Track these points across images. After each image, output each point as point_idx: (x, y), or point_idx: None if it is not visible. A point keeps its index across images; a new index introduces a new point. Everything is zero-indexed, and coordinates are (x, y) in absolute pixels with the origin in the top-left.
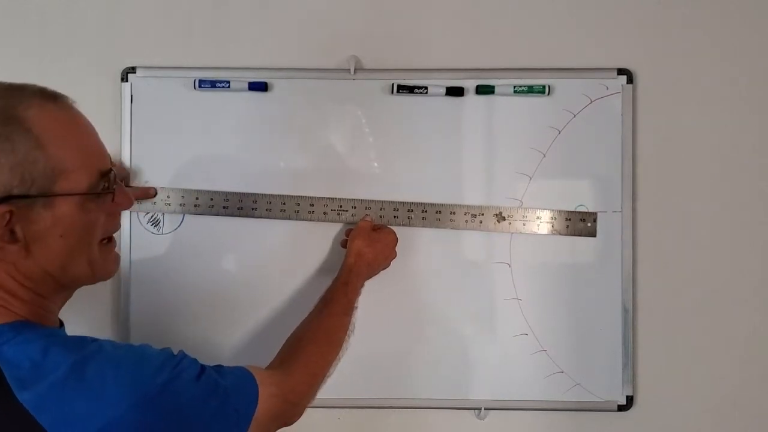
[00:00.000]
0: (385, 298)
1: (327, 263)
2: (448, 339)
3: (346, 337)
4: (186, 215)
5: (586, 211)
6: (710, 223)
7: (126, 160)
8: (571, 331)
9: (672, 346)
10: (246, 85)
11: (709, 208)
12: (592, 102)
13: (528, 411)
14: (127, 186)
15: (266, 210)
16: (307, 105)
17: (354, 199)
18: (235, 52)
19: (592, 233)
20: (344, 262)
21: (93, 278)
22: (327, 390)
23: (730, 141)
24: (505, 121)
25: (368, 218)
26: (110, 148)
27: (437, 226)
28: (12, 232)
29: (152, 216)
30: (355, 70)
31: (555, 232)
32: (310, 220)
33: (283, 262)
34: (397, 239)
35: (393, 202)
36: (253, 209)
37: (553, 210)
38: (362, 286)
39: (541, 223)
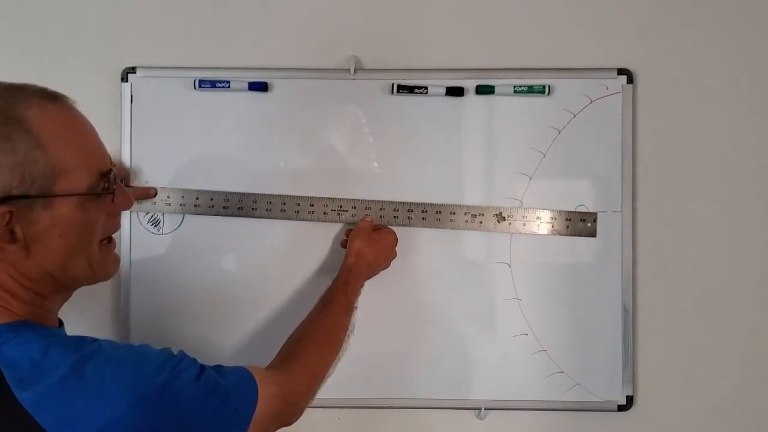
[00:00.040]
0: (385, 298)
1: (327, 263)
2: (448, 339)
3: (346, 337)
4: (186, 215)
5: (586, 211)
6: (710, 223)
7: (126, 160)
8: (571, 331)
9: (672, 346)
10: (246, 85)
11: (709, 208)
12: (592, 102)
13: (528, 411)
14: (127, 186)
15: (266, 210)
16: (307, 105)
17: (354, 199)
18: (235, 52)
19: (592, 233)
20: (344, 262)
21: (93, 278)
22: (327, 390)
23: (730, 141)
24: (505, 121)
25: (368, 218)
26: (110, 148)
27: (437, 226)
28: (12, 232)
29: (152, 216)
30: (355, 70)
31: (555, 232)
32: (310, 220)
33: (283, 262)
34: (397, 239)
35: (393, 202)
36: (253, 209)
37: (553, 210)
38: (362, 286)
39: (541, 223)
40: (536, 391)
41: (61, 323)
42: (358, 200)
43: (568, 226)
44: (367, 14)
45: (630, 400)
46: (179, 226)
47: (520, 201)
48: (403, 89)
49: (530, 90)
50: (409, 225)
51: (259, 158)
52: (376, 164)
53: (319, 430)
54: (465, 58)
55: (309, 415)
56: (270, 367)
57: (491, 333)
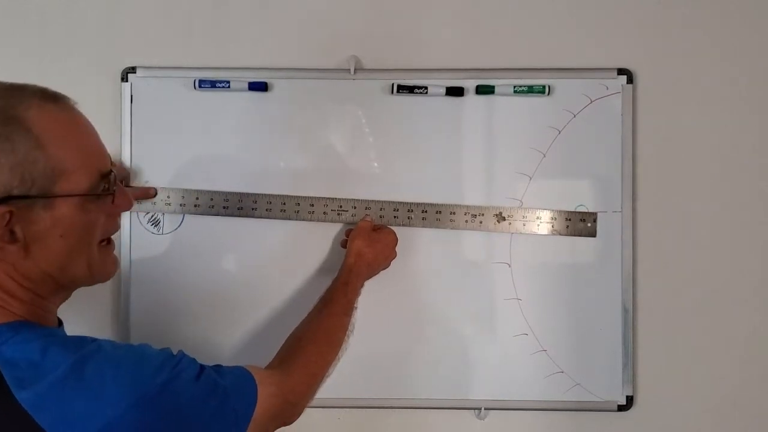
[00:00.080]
0: (385, 298)
1: (327, 263)
2: (448, 339)
3: (346, 337)
4: (186, 215)
5: (586, 211)
6: (710, 223)
7: (126, 160)
8: (571, 331)
9: (672, 346)
10: (246, 85)
11: (709, 208)
12: (592, 102)
13: (528, 411)
14: (127, 186)
15: (266, 210)
16: (307, 105)
17: (354, 199)
18: (235, 52)
19: (592, 233)
20: (344, 262)
21: (91, 279)
22: (327, 390)
23: (730, 141)
24: (505, 121)
25: (368, 218)
26: (110, 148)
27: (437, 226)
28: (12, 232)
29: (152, 216)
30: (355, 70)
31: (555, 232)
32: (310, 220)
33: (283, 262)
34: (397, 239)
35: (393, 202)
36: (253, 209)
37: (553, 210)
38: (362, 286)
39: (541, 223)
40: (536, 391)
41: (60, 323)
42: (358, 200)
43: (568, 226)
44: (367, 14)
45: (630, 400)
46: (179, 226)
47: (520, 201)
48: (403, 89)
49: (530, 90)
50: (409, 225)
51: (259, 158)
52: (376, 164)
53: (319, 430)
54: (465, 58)
55: (309, 415)
56: (269, 366)
57: (491, 333)
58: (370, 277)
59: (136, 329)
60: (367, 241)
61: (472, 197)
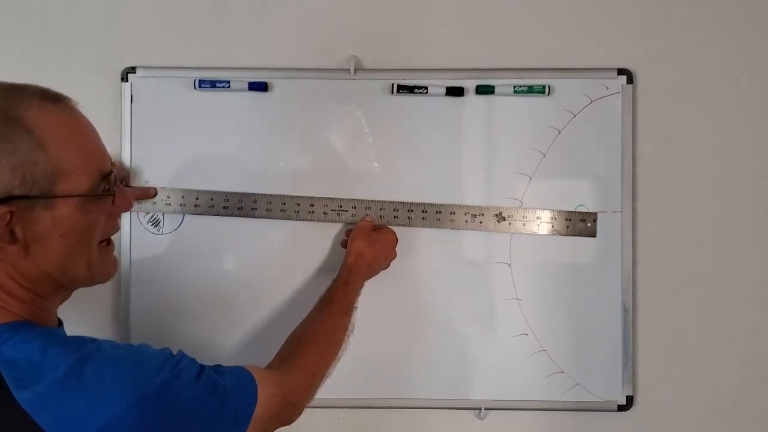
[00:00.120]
0: (385, 298)
1: (327, 263)
2: (448, 339)
3: (346, 337)
4: (186, 215)
5: (586, 211)
6: (710, 223)
7: (126, 160)
8: (571, 331)
9: (672, 346)
10: (246, 85)
11: (709, 208)
12: (592, 102)
13: (528, 411)
14: (127, 186)
15: (266, 210)
16: (307, 105)
17: (354, 199)
18: (235, 52)
19: (592, 233)
20: (344, 262)
21: (91, 280)
22: (327, 390)
23: (730, 141)
24: (505, 121)
25: (368, 218)
26: (110, 148)
27: (437, 226)
28: (12, 232)
29: (152, 216)
30: (355, 70)
31: (555, 232)
32: (310, 220)
33: (283, 262)
34: (397, 239)
35: (393, 202)
36: (253, 209)
37: (553, 210)
38: (362, 286)
39: (541, 223)
40: (536, 391)
41: (60, 323)
42: (358, 200)
43: (568, 226)
44: (367, 14)
45: (630, 400)
46: (179, 226)
47: (520, 201)
48: (403, 89)
49: (530, 90)
50: (409, 225)
51: (259, 158)
52: (376, 164)
53: (319, 430)
54: (465, 58)
55: (309, 415)
56: (269, 366)
57: (491, 333)
58: (370, 277)
59: (136, 329)
60: (367, 241)
61: (472, 197)
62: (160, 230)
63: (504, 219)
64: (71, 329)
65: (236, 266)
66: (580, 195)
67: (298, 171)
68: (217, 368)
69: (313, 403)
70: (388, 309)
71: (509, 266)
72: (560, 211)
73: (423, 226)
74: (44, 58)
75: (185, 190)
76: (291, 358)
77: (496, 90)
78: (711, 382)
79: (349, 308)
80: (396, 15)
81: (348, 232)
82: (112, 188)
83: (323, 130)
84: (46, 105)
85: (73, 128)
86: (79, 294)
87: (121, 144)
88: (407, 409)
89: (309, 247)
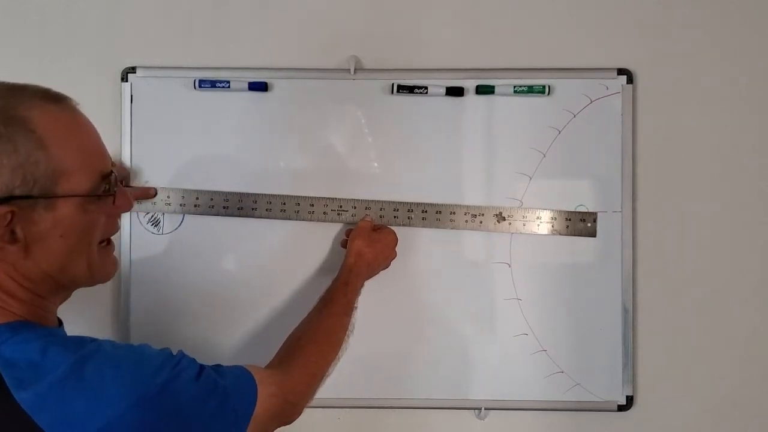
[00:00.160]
0: (385, 298)
1: (327, 263)
2: (448, 339)
3: (346, 337)
4: (186, 215)
5: (586, 211)
6: (710, 223)
7: (126, 160)
8: (571, 331)
9: (672, 346)
10: (246, 85)
11: (709, 208)
12: (592, 102)
13: (528, 411)
14: (127, 186)
15: (266, 210)
16: (307, 105)
17: (354, 199)
18: (235, 52)
19: (592, 233)
20: (344, 262)
21: (91, 280)
22: (327, 390)
23: (730, 141)
24: (505, 121)
25: (368, 218)
26: (110, 148)
27: (437, 226)
28: (12, 232)
29: (152, 216)
30: (355, 70)
31: (555, 232)
32: (310, 220)
33: (283, 262)
34: (397, 239)
35: (393, 202)
36: (253, 209)
37: (553, 210)
38: (362, 286)
39: (541, 223)
40: (536, 391)
41: (60, 323)
42: (358, 200)
43: (568, 226)
44: (367, 14)
45: (630, 400)
46: (179, 226)
47: (520, 201)
48: (403, 89)
49: (530, 90)
50: (409, 225)
51: (259, 158)
52: (376, 164)
53: (319, 430)
54: (465, 58)
55: (309, 415)
56: (269, 366)
57: (491, 333)
58: (370, 277)
59: (136, 329)
60: (367, 241)
61: (472, 197)
62: (160, 230)
63: (504, 219)
64: (71, 329)
65: (236, 266)
66: (580, 195)
67: (298, 171)
68: (217, 368)
69: (313, 403)
70: (388, 309)
71: (509, 266)
72: (560, 211)
73: (423, 226)
74: (44, 58)
75: (185, 190)
76: (291, 358)
77: (496, 90)
78: (711, 382)
79: (349, 308)
80: (396, 15)
81: (348, 232)
82: (113, 188)
83: (323, 130)
84: (47, 105)
85: (74, 128)
86: (79, 294)
87: (121, 144)
88: (407, 409)
89: (309, 247)
